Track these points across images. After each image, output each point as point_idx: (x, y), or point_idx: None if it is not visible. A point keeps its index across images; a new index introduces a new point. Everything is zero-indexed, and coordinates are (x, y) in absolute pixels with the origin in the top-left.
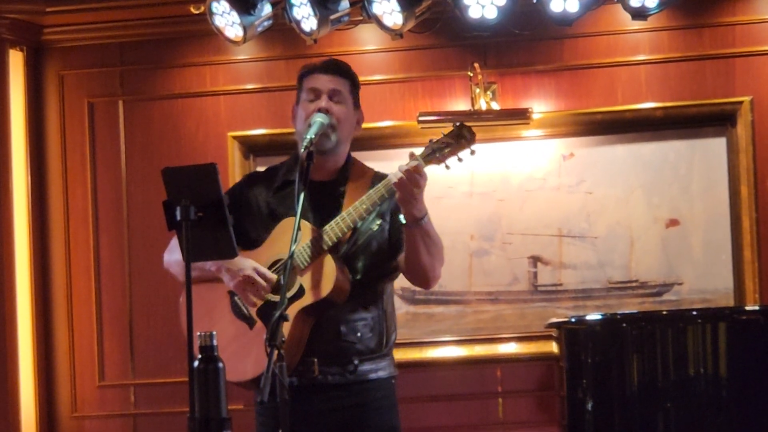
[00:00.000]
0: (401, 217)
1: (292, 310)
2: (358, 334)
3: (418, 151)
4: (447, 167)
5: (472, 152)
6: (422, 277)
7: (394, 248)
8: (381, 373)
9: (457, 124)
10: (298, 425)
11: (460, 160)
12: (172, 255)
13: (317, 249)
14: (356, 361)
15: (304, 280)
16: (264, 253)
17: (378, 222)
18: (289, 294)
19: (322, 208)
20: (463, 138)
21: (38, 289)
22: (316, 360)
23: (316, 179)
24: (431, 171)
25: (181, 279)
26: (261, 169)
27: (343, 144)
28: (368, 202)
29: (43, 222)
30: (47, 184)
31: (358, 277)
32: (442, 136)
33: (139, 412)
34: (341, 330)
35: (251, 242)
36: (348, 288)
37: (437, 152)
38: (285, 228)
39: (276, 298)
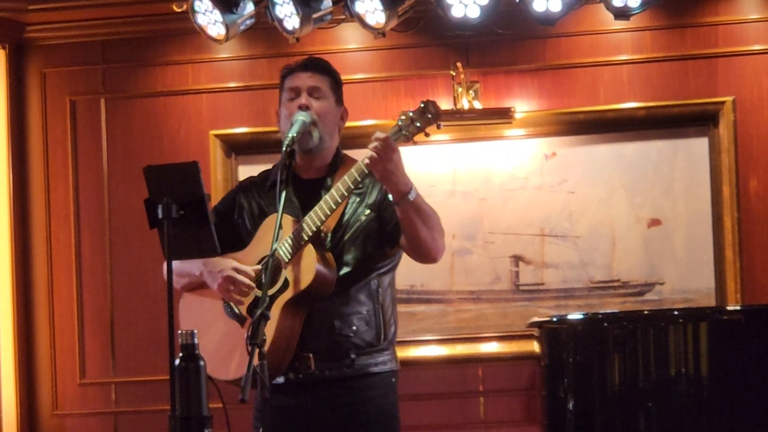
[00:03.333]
0: (390, 196)
1: (278, 305)
2: (354, 328)
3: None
4: (414, 143)
5: (438, 126)
6: (425, 252)
7: (390, 236)
8: (381, 367)
9: (423, 101)
10: (297, 422)
11: (426, 135)
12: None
13: (298, 241)
14: (353, 355)
15: (288, 273)
16: (251, 252)
17: (367, 212)
18: (275, 289)
19: (310, 205)
20: (429, 113)
21: (19, 287)
22: (311, 355)
23: (305, 177)
24: (415, 170)
25: (177, 287)
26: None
27: (326, 140)
28: (342, 187)
29: (25, 219)
30: (29, 181)
31: (348, 269)
32: (408, 114)
33: (120, 410)
34: (335, 324)
35: (245, 245)
36: (332, 279)
37: (404, 130)
38: (269, 225)
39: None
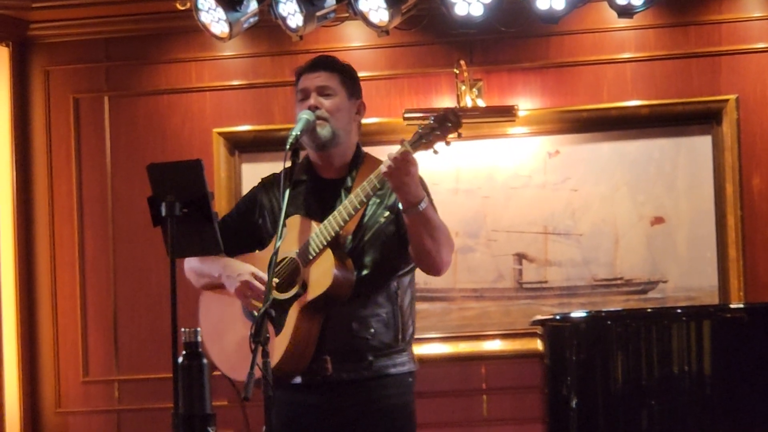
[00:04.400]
0: (399, 204)
1: (295, 308)
2: (372, 330)
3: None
4: (435, 152)
5: (459, 135)
6: (430, 264)
7: (404, 239)
8: (400, 369)
9: (443, 109)
10: (312, 421)
11: (447, 144)
12: (188, 263)
13: (317, 245)
14: (371, 357)
15: (306, 276)
16: (269, 254)
17: (386, 214)
18: (292, 292)
19: (330, 205)
20: (449, 122)
21: (23, 285)
22: (329, 358)
23: (325, 177)
24: (418, 168)
25: (197, 285)
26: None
27: (342, 135)
28: (362, 193)
29: (28, 218)
30: (32, 179)
31: (367, 272)
32: (428, 122)
33: (123, 407)
34: (353, 326)
35: (265, 244)
36: (351, 283)
37: (424, 138)
38: (291, 227)
39: (283, 296)
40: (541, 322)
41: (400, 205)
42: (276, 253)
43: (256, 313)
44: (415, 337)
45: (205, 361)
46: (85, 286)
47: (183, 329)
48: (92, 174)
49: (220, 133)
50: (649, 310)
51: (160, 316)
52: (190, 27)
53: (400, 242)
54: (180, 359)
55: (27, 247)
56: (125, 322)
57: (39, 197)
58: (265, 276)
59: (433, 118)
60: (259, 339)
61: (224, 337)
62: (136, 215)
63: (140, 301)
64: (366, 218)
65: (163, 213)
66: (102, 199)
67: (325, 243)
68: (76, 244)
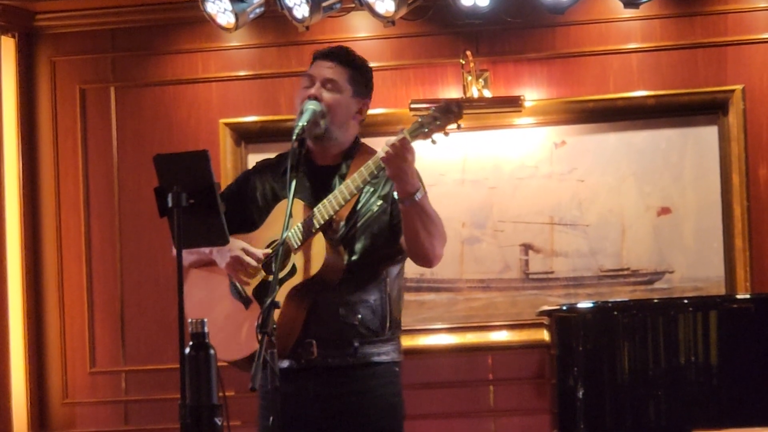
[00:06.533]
0: (395, 193)
1: (284, 290)
2: (359, 316)
3: None
4: (433, 142)
5: (459, 126)
6: (422, 255)
7: (396, 230)
8: (384, 357)
9: (446, 99)
10: (299, 409)
11: (446, 134)
12: None
13: (309, 228)
14: (356, 344)
15: (297, 259)
16: (261, 235)
17: (379, 203)
18: (282, 274)
19: (324, 191)
20: (451, 112)
21: (29, 276)
22: (314, 342)
23: (320, 164)
24: (425, 159)
25: (185, 263)
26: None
27: (335, 131)
28: (359, 178)
29: (35, 208)
30: (39, 170)
31: (357, 258)
32: (430, 111)
33: (130, 398)
34: (340, 311)
35: (255, 227)
36: (341, 267)
37: (424, 127)
38: (282, 210)
39: (270, 277)
40: (548, 313)
41: (396, 195)
42: (282, 243)
43: (243, 292)
44: (422, 327)
45: (212, 351)
46: (91, 276)
47: (190, 320)
48: (99, 165)
49: (226, 124)
50: (655, 300)
51: (167, 306)
52: (196, 18)
53: (392, 232)
54: (187, 350)
55: (34, 238)
56: (132, 312)
57: (45, 188)
58: (257, 252)
59: (434, 108)
60: (266, 330)
61: (210, 314)
62: (142, 206)
63: (147, 292)
64: (359, 205)
65: (170, 204)
66: (108, 190)
67: (318, 227)
68: (82, 235)
